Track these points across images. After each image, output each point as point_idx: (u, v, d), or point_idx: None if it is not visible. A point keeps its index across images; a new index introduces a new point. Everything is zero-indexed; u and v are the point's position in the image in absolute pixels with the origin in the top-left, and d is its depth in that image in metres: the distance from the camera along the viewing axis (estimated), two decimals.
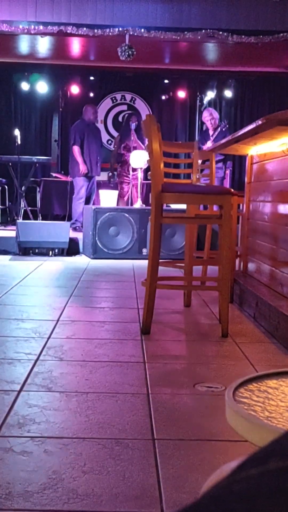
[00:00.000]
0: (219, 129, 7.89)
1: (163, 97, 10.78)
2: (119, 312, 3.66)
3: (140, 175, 7.64)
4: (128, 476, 1.46)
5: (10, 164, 8.74)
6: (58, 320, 3.27)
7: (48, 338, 2.85)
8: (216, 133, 7.87)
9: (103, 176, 9.42)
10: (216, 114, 8.07)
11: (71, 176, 8.61)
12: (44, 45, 8.89)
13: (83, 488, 1.39)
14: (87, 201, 8.42)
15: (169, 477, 1.46)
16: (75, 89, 10.61)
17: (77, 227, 8.25)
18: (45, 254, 6.86)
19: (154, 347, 2.79)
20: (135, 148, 7.92)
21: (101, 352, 2.63)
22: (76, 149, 8.25)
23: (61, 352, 2.60)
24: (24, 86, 10.50)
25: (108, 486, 1.41)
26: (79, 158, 8.23)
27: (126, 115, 8.74)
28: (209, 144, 7.57)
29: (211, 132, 7.98)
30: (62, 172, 9.86)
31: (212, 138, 7.80)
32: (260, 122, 2.86)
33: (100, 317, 3.46)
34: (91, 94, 10.67)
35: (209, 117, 8.00)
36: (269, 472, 0.28)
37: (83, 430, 1.73)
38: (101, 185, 9.15)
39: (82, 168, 8.23)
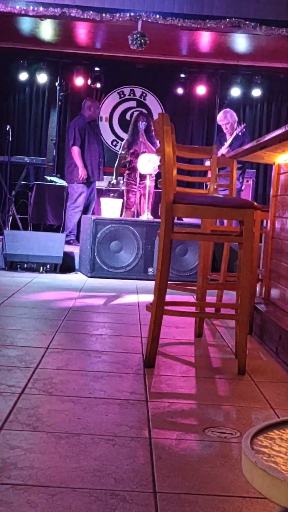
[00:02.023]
0: (234, 133, 7.82)
1: (178, 94, 10.84)
2: (119, 340, 3.66)
3: (148, 183, 7.64)
4: None
5: None
6: (47, 348, 3.27)
7: (36, 368, 2.85)
8: (232, 138, 7.81)
9: (105, 182, 9.43)
10: (233, 118, 7.94)
11: (68, 181, 8.58)
12: (43, 30, 9.00)
13: None
14: (85, 211, 8.41)
15: None
16: (77, 81, 10.65)
17: (71, 240, 8.25)
18: (35, 270, 6.88)
19: (159, 383, 2.78)
20: (144, 152, 7.92)
21: (96, 387, 2.62)
22: (76, 150, 8.20)
23: (50, 385, 2.60)
24: (19, 75, 10.60)
25: None
26: (78, 161, 8.18)
27: (134, 114, 8.74)
28: (223, 150, 7.52)
29: (228, 137, 7.94)
30: (58, 175, 9.92)
31: (227, 144, 7.77)
32: None
33: (96, 346, 3.45)
34: (96, 87, 10.74)
35: (225, 121, 7.88)
36: None
37: (73, 479, 1.72)
38: (102, 192, 9.17)
39: (82, 172, 8.18)
